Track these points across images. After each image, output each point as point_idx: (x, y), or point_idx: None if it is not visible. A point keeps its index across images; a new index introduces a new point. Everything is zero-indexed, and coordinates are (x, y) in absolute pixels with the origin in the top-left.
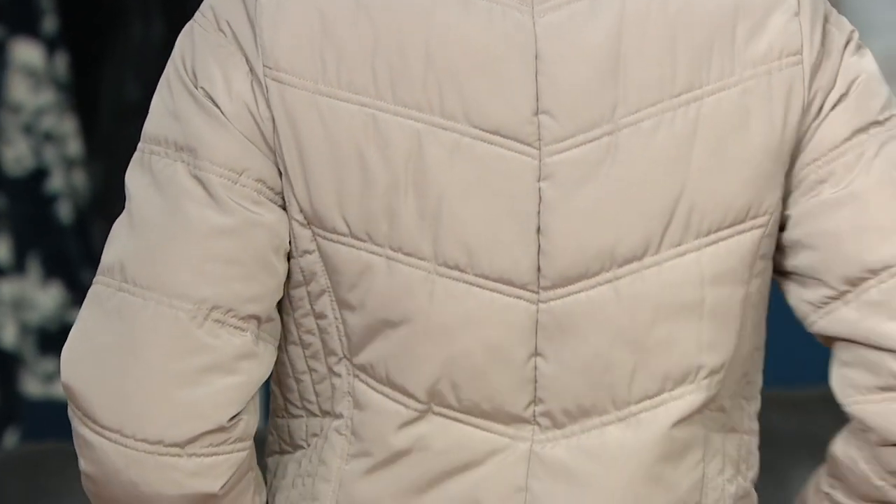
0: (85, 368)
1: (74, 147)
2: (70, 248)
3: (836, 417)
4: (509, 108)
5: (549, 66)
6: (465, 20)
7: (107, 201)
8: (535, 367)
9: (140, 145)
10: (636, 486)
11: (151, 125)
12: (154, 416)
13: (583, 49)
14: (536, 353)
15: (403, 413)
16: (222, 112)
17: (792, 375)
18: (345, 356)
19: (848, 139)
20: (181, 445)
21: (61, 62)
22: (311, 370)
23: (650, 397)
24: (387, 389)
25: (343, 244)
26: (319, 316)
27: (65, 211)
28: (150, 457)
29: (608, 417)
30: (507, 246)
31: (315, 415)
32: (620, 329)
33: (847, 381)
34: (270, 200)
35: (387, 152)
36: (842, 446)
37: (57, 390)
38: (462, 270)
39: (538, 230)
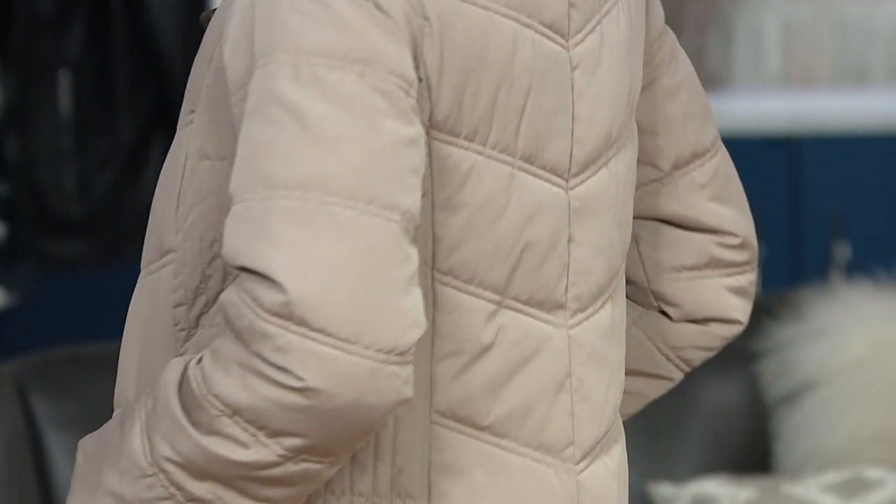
0: (316, 282)
1: None
2: None
3: None
4: (557, 2)
5: None
6: None
7: (20, 114)
8: (569, 253)
9: (286, 58)
10: (620, 368)
11: (300, 38)
12: (387, 324)
13: None
14: (570, 239)
15: (489, 308)
16: (394, 22)
17: None
18: (426, 263)
19: (664, 31)
20: (402, 353)
21: None
22: None
23: (616, 273)
24: (471, 287)
25: (456, 146)
26: None
27: None
28: (383, 366)
29: (605, 296)
30: (558, 135)
31: None
32: (614, 208)
33: (651, 262)
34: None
35: (498, 52)
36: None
37: None
38: (531, 162)
39: (573, 118)
